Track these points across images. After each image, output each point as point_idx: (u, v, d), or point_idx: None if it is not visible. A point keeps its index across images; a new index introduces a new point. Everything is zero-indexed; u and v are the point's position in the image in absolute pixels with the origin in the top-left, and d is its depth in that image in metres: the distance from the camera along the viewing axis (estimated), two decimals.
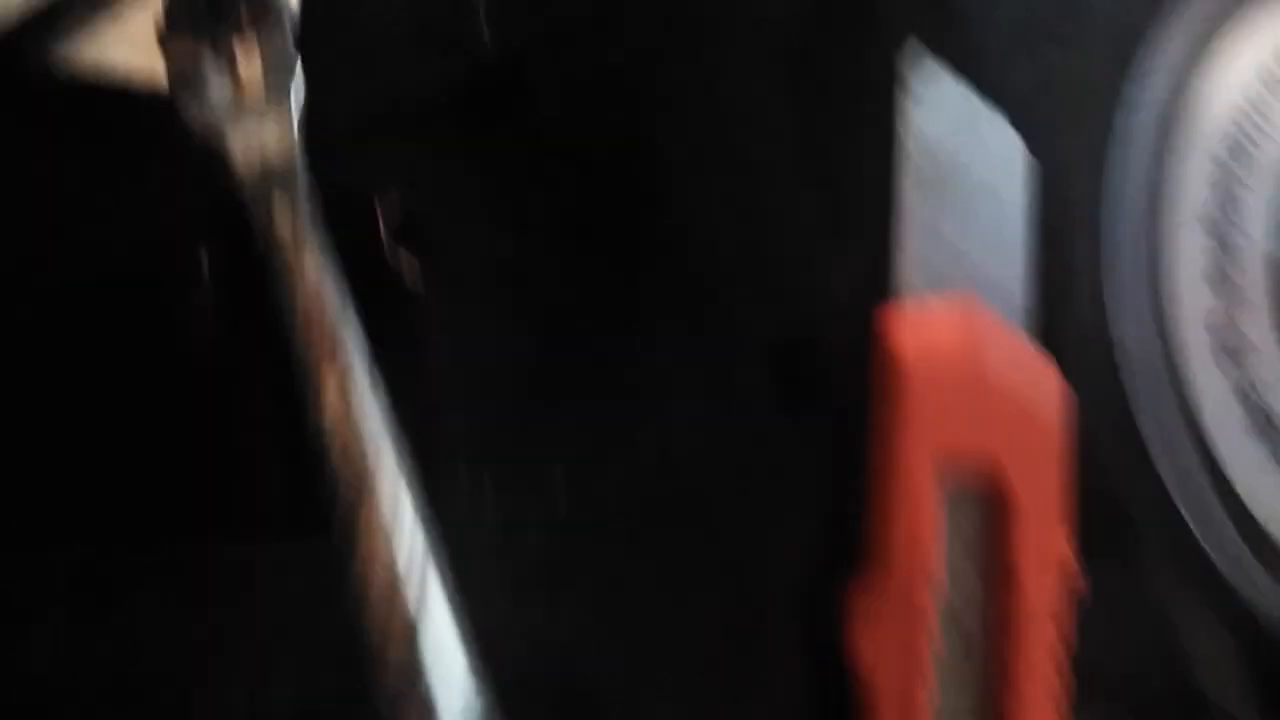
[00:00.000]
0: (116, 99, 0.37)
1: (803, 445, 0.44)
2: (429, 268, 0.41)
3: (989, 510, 0.44)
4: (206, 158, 0.37)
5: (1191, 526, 0.47)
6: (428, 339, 0.41)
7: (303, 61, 0.37)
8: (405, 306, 0.41)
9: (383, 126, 0.40)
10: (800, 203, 0.46)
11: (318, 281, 0.34)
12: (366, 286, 0.38)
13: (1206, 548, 0.47)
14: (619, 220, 0.44)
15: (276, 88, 0.36)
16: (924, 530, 0.43)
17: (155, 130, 0.38)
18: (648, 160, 0.44)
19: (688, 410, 0.43)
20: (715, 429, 0.43)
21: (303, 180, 0.36)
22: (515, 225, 0.43)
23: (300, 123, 0.37)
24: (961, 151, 0.46)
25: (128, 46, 0.36)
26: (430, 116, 0.41)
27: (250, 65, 0.37)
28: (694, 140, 0.45)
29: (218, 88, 0.36)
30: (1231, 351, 0.48)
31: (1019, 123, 0.48)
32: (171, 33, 0.36)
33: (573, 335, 0.43)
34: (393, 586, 0.33)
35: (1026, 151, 0.47)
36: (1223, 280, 0.48)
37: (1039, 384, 0.45)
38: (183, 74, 0.36)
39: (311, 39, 0.38)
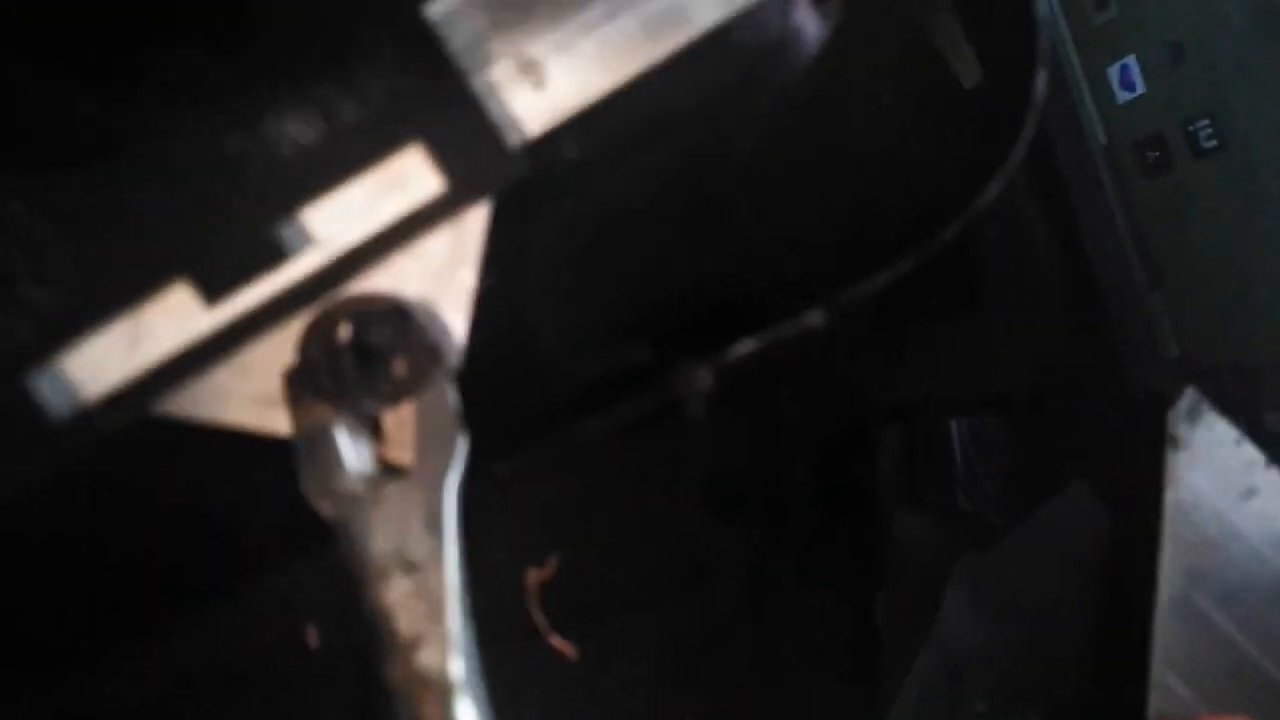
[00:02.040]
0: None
1: None
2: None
3: None
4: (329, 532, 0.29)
5: None
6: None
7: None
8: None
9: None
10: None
11: None
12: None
13: None
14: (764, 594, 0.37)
15: (430, 460, 0.28)
16: None
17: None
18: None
19: None
20: None
21: (454, 581, 0.28)
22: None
23: (457, 501, 0.29)
24: (1233, 513, 0.38)
25: (248, 403, 0.28)
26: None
27: (400, 437, 0.28)
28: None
29: (356, 461, 0.28)
30: None
31: None
32: (301, 392, 0.28)
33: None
34: None
35: None
36: None
37: None
38: (313, 445, 0.28)
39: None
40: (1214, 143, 0.57)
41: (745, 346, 0.28)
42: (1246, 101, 0.56)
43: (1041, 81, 0.35)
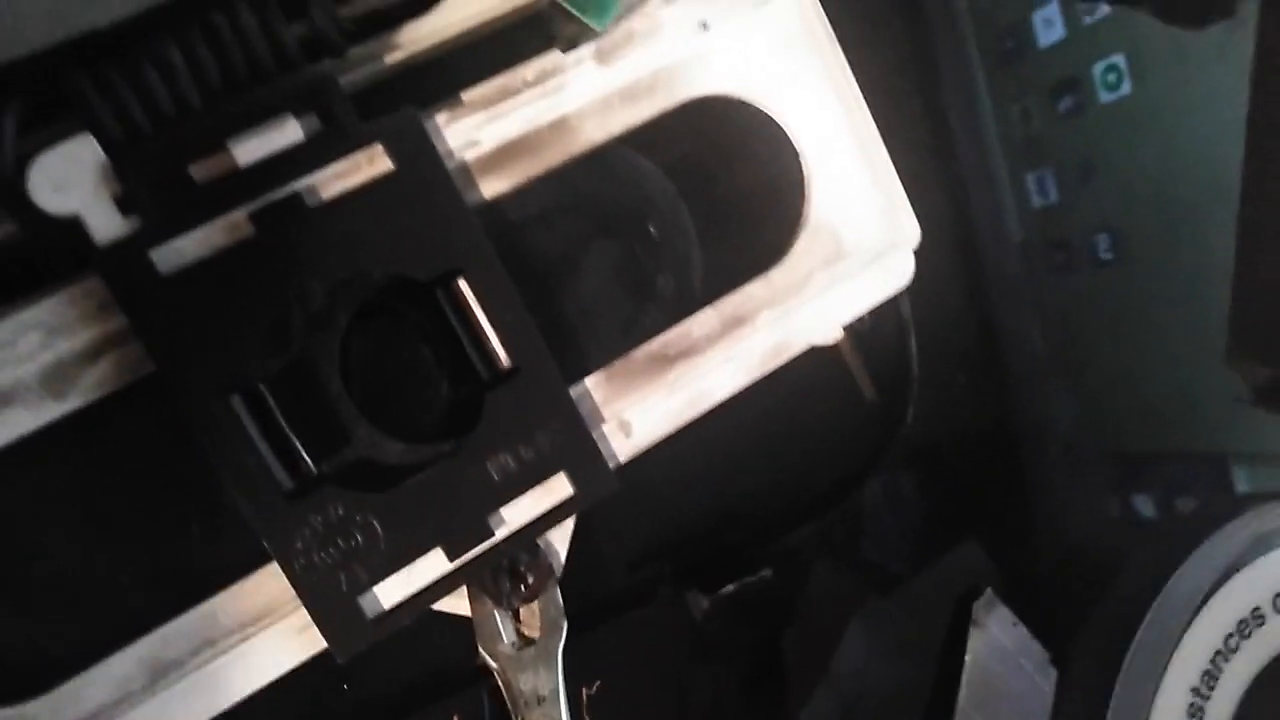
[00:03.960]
0: None
1: None
2: None
3: None
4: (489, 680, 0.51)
5: None
6: None
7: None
8: None
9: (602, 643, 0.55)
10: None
11: None
12: None
13: None
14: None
15: (549, 636, 0.50)
16: None
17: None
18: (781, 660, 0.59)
19: None
20: None
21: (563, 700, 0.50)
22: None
23: (562, 655, 0.51)
24: (1006, 667, 0.61)
25: (449, 598, 0.50)
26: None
27: (531, 621, 0.50)
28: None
29: (508, 636, 0.50)
30: None
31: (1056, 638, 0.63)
32: (476, 592, 0.50)
33: None
34: None
35: (1056, 684, 0.62)
36: None
37: None
38: (484, 626, 0.50)
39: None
40: (1111, 255, 0.62)
41: (728, 589, 0.51)
42: (1140, 223, 0.62)
43: (911, 409, 0.58)
